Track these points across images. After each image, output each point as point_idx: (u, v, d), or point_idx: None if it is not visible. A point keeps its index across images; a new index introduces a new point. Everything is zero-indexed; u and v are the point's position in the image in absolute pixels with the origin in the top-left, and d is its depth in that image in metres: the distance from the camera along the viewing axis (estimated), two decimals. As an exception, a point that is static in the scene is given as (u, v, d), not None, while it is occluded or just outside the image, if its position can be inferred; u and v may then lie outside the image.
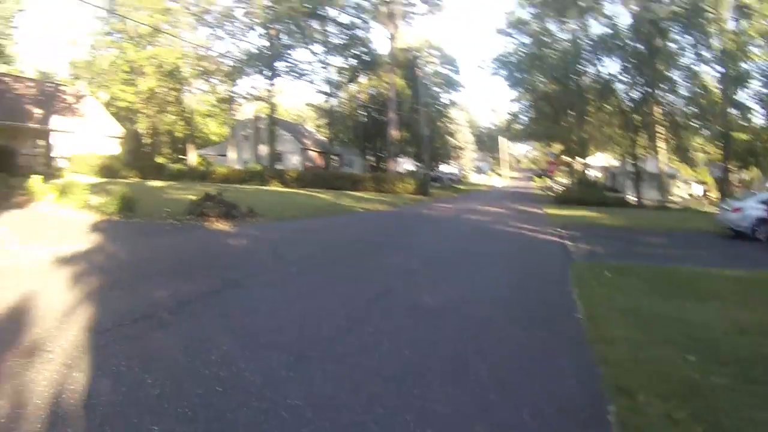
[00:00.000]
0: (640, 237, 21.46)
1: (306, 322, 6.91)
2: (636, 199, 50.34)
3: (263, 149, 60.22)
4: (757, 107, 47.72)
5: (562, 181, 71.82)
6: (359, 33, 59.97)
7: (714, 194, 63.94)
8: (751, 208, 21.78)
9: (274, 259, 11.68)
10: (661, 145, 51.95)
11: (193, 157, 59.34)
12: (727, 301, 9.39)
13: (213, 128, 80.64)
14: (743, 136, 48.53)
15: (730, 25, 45.43)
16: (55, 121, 44.12)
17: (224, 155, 64.55)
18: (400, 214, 27.89)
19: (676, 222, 29.37)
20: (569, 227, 23.26)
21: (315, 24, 57.42)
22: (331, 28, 59.11)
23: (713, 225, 25.50)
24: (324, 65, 61.00)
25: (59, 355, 5.41)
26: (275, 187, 42.48)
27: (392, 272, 10.84)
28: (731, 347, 6.58)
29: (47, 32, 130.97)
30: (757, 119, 48.80)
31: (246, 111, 66.24)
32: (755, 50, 45.55)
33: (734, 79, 45.90)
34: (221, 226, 17.48)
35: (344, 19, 58.59)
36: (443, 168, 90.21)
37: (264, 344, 5.97)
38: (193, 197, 21.15)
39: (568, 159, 67.23)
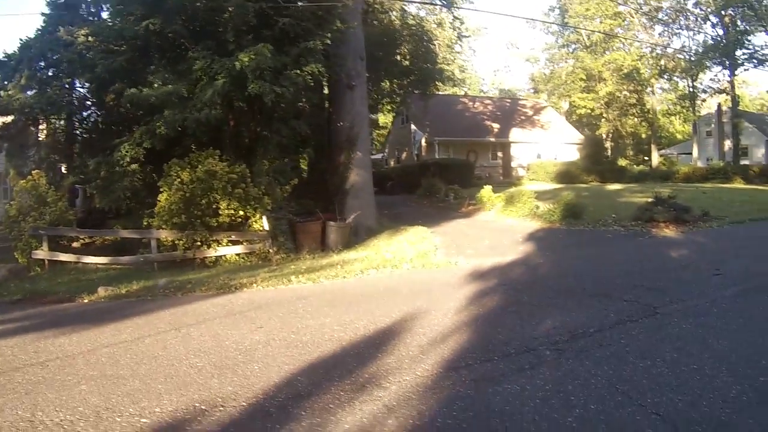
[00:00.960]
0: None
1: (716, 376, 5.12)
2: None
3: (727, 144, 55.42)
4: None
5: None
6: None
7: None
8: None
9: (711, 277, 9.65)
10: None
11: (655, 158, 57.20)
12: None
13: (677, 127, 76.88)
14: None
15: None
16: (514, 134, 46.26)
17: (688, 153, 60.69)
18: None
19: None
20: None
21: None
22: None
23: None
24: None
25: (389, 395, 4.83)
26: (737, 185, 38.25)
27: None
28: None
29: (503, 54, 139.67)
30: None
31: (709, 106, 61.94)
32: None
33: None
34: (668, 232, 15.89)
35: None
36: None
37: (645, 406, 4.45)
38: (646, 200, 19.88)
39: None
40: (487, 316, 7.52)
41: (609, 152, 56.03)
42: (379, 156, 52.60)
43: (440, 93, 43.95)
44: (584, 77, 57.03)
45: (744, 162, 51.18)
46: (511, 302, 8.31)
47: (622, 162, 49.94)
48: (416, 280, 10.67)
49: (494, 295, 8.75)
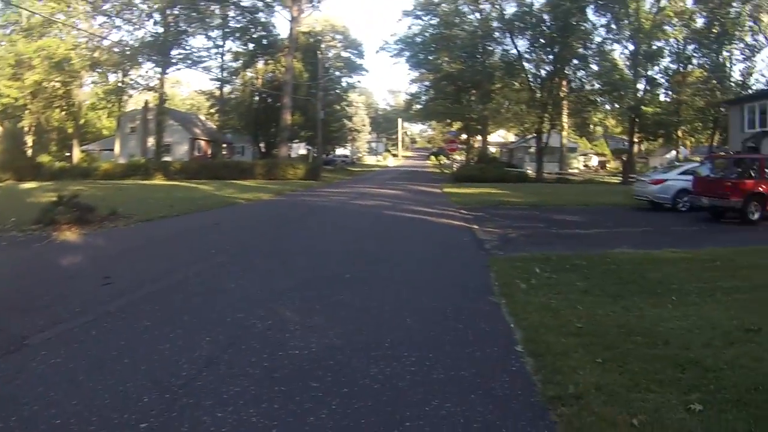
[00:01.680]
0: (554, 215, 20.56)
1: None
2: (536, 173, 51.74)
3: (151, 141, 56.82)
4: (664, 82, 52.42)
5: (459, 158, 71.58)
6: (262, 16, 59.14)
7: (613, 166, 73.13)
8: (673, 180, 22.32)
9: (100, 288, 8.60)
10: (565, 120, 54.65)
11: (76, 154, 55.61)
12: (700, 296, 7.83)
13: (105, 122, 75.96)
14: (651, 110, 51.34)
15: (648, 4, 49.64)
16: None
17: (111, 150, 60.70)
18: (282, 203, 26.00)
19: (586, 196, 28.90)
20: (473, 208, 22.85)
21: (215, 8, 55.31)
22: (232, 12, 57.63)
23: (624, 197, 26.80)
24: (219, 51, 58.58)
25: None
26: (158, 181, 40.09)
27: (247, 303, 7.83)
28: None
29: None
30: (665, 95, 53.81)
31: (136, 102, 62.86)
32: (668, 29, 50.13)
33: (647, 56, 49.44)
34: (69, 235, 14.58)
35: (246, 1, 57.33)
36: (338, 151, 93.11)
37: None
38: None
39: (467, 137, 70.66)
40: None
41: (31, 147, 52.49)
42: None
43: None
44: (13, 63, 52.15)
45: (167, 158, 53.80)
46: None
47: (43, 158, 47.37)
48: None
49: None
